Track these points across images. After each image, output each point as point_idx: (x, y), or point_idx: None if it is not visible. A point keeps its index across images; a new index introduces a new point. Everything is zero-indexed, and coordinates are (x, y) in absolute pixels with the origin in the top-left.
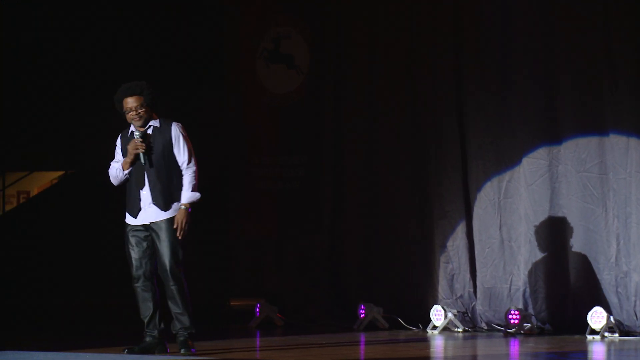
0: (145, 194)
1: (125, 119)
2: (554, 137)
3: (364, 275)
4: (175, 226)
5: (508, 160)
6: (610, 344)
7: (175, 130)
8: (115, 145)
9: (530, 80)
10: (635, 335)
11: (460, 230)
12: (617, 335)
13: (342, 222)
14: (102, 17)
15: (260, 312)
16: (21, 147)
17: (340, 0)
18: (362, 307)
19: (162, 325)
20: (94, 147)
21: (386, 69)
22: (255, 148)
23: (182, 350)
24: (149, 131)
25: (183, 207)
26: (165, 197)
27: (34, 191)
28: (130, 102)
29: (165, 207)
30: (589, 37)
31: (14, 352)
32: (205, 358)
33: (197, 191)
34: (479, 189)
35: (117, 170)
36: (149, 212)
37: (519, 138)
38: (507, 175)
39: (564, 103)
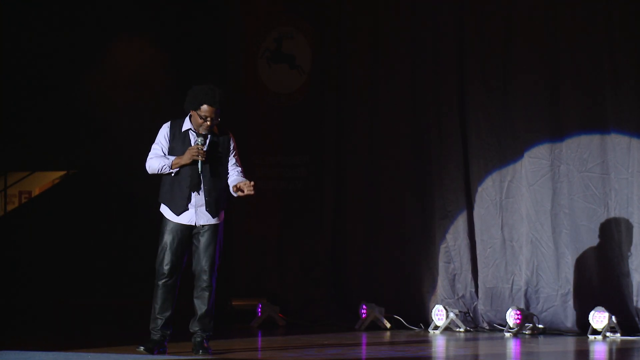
0: (199, 197)
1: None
2: (555, 137)
3: (365, 275)
4: (245, 184)
5: (510, 160)
6: (611, 344)
7: (233, 142)
8: (158, 133)
9: (532, 80)
10: (637, 335)
11: (462, 230)
12: (618, 335)
13: (344, 222)
14: (104, 16)
15: (262, 312)
16: (23, 147)
17: (343, 0)
18: (364, 307)
19: (171, 329)
20: (96, 147)
21: (388, 69)
22: (257, 148)
23: (200, 351)
24: (209, 138)
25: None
26: (218, 204)
27: (36, 191)
28: (210, 111)
29: (217, 213)
30: (592, 38)
31: (14, 352)
32: (207, 357)
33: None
34: (480, 189)
35: (162, 167)
36: (199, 215)
37: (521, 138)
38: (508, 175)
39: (566, 102)
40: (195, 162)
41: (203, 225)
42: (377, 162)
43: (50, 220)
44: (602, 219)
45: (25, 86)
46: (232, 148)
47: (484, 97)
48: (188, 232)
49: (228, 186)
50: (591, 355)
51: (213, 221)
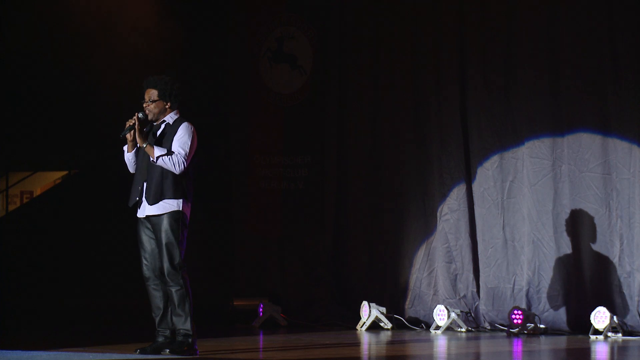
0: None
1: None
2: (557, 138)
3: (367, 274)
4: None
5: (511, 159)
6: (613, 344)
7: (183, 128)
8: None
9: (534, 80)
10: (638, 335)
11: (464, 230)
12: (620, 335)
13: (345, 222)
14: (104, 16)
15: (263, 311)
16: (24, 147)
17: (344, 0)
18: (365, 306)
19: (174, 325)
20: (97, 147)
21: (390, 69)
22: (259, 148)
23: (168, 350)
24: (162, 126)
25: (150, 145)
26: (156, 192)
27: (37, 191)
28: (146, 93)
29: (153, 201)
30: (594, 46)
31: (15, 352)
32: (208, 358)
33: (165, 164)
34: (482, 189)
35: (124, 154)
36: (145, 205)
37: (522, 138)
38: (510, 175)
39: (568, 104)
40: (139, 144)
41: (148, 217)
42: (378, 162)
43: (51, 220)
44: (604, 219)
45: (26, 86)
46: (177, 133)
47: (486, 97)
48: (148, 230)
49: (175, 176)
50: (593, 355)
51: (154, 211)
